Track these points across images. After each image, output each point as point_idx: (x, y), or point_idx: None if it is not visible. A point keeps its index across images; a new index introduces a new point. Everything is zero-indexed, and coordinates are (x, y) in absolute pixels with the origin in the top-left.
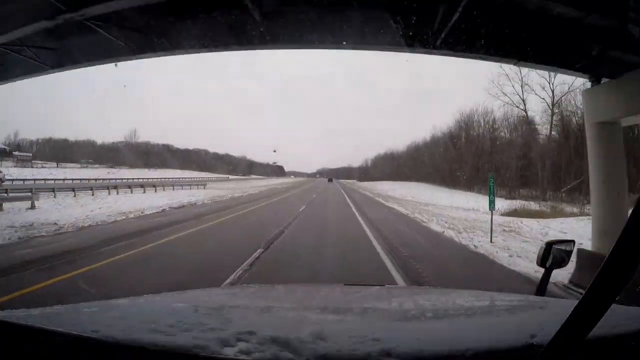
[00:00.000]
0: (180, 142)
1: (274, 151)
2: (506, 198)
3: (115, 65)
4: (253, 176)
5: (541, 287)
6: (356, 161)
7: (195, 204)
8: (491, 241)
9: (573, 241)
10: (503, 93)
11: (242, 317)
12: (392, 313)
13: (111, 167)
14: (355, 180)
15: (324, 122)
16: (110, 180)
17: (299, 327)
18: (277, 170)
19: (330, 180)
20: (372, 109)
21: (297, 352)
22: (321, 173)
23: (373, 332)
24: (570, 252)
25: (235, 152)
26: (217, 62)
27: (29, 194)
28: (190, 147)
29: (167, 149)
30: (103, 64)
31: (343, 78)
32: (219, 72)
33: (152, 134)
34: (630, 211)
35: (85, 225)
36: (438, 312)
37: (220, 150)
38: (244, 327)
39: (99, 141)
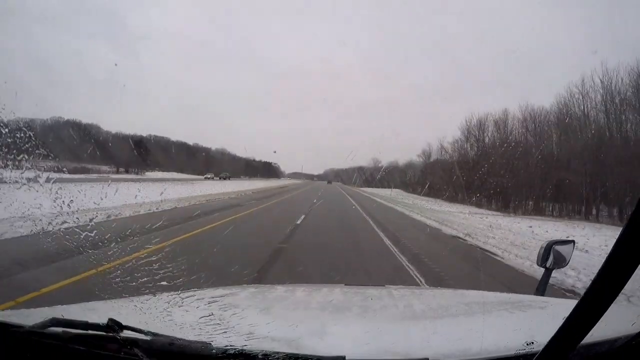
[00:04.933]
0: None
1: (274, 152)
2: None
3: (116, 65)
4: (161, 174)
5: (541, 287)
6: (388, 156)
7: None
8: None
9: (573, 241)
10: None
11: (242, 317)
12: (392, 313)
13: None
14: (392, 192)
15: (330, 118)
16: None
17: (299, 327)
18: (269, 170)
19: (329, 182)
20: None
21: (297, 352)
22: (326, 175)
23: (373, 332)
24: (571, 252)
25: (235, 150)
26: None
27: None
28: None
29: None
30: None
31: (358, 68)
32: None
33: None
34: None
35: None
36: (438, 312)
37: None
38: (244, 327)
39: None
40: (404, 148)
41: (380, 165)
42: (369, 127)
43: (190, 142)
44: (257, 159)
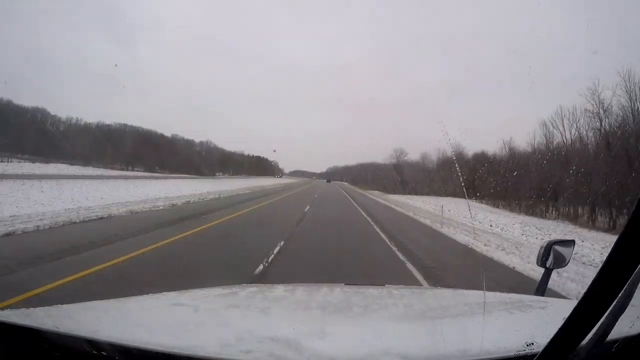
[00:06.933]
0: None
1: (274, 151)
2: None
3: (116, 65)
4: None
5: (541, 287)
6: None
7: None
8: None
9: (573, 241)
10: None
11: (242, 317)
12: (393, 313)
13: None
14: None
15: (333, 115)
16: None
17: (299, 326)
18: (264, 168)
19: (328, 181)
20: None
21: (297, 352)
22: (328, 174)
23: (373, 332)
24: (571, 252)
25: (234, 147)
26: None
27: None
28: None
29: None
30: None
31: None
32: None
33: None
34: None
35: None
36: (438, 312)
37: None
38: (244, 327)
39: None
40: (423, 143)
41: (405, 158)
42: (372, 124)
43: (169, 134)
44: (254, 154)
